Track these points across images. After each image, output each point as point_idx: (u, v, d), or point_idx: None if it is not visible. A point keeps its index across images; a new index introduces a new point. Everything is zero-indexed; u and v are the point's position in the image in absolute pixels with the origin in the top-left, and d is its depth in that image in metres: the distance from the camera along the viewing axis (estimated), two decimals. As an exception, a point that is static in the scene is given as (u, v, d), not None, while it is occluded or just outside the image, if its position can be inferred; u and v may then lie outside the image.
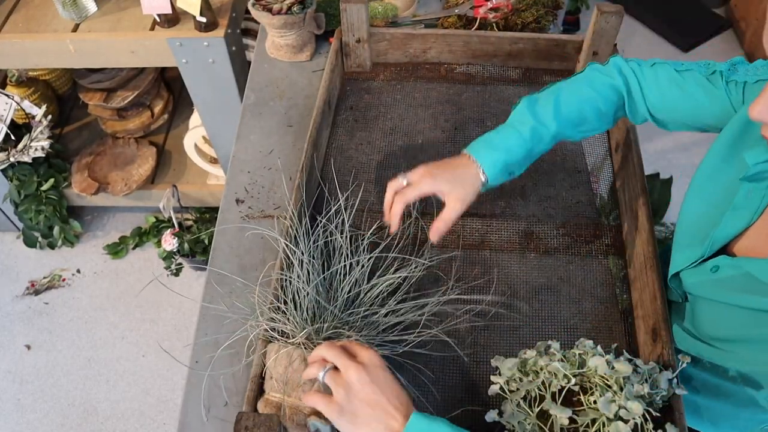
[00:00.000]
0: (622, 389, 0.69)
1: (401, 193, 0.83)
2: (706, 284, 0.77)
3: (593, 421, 0.67)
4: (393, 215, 0.84)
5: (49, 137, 1.88)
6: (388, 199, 0.86)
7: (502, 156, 0.82)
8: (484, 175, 0.82)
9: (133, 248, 2.27)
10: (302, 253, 0.90)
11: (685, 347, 0.87)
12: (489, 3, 1.31)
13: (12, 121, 1.84)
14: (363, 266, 0.89)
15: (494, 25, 1.34)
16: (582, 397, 0.70)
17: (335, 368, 0.69)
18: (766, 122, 0.62)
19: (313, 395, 0.70)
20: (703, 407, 0.92)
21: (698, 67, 0.86)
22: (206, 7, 1.48)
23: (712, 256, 0.76)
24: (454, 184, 0.82)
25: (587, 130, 0.89)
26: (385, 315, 0.86)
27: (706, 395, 0.89)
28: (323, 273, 0.89)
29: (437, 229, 0.83)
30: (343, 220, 1.01)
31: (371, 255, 0.93)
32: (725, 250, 0.77)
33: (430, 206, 1.05)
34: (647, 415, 0.68)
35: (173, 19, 1.55)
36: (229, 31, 1.55)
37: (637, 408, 0.66)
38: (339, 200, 1.06)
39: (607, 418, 0.66)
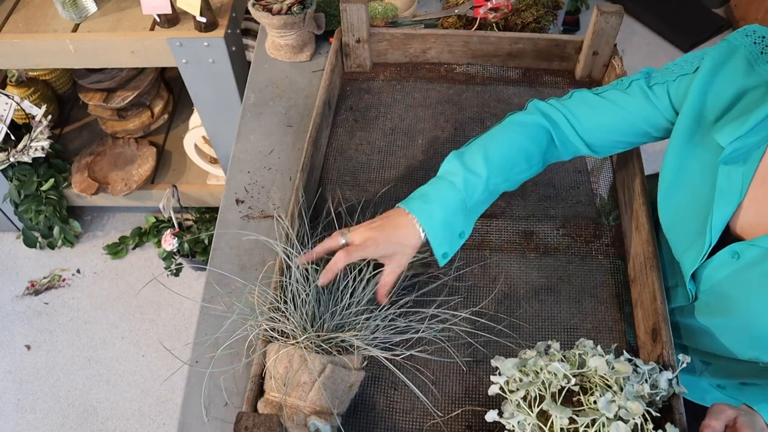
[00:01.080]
0: (622, 389, 0.69)
1: (346, 252, 0.79)
2: (737, 274, 0.76)
3: (593, 421, 0.67)
4: (330, 270, 0.80)
5: (49, 137, 1.88)
6: (318, 252, 0.83)
7: (437, 209, 0.80)
8: (423, 232, 0.80)
9: (133, 248, 2.27)
10: (302, 253, 0.90)
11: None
12: (489, 3, 1.32)
13: (12, 121, 1.84)
14: (363, 266, 0.89)
15: (494, 25, 1.34)
16: (582, 398, 0.70)
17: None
18: None
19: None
20: None
21: (612, 86, 0.90)
22: (206, 7, 1.48)
23: (719, 245, 0.77)
24: (396, 248, 0.80)
25: (518, 173, 0.88)
26: (385, 316, 0.86)
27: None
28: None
29: (383, 293, 0.82)
30: (343, 220, 1.01)
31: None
32: (729, 234, 0.78)
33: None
34: (647, 415, 0.68)
35: (173, 19, 1.55)
36: (229, 31, 1.55)
37: (637, 408, 0.66)
38: (339, 200, 1.06)
39: (607, 418, 0.66)
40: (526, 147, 0.87)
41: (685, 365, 0.75)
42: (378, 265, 0.85)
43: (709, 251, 0.78)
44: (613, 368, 0.71)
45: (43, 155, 1.89)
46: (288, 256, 0.88)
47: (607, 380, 0.70)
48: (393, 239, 0.80)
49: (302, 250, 0.89)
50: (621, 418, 0.66)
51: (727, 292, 0.78)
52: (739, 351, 0.82)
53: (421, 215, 0.80)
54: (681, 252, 0.82)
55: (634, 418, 0.66)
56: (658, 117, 0.86)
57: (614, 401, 0.67)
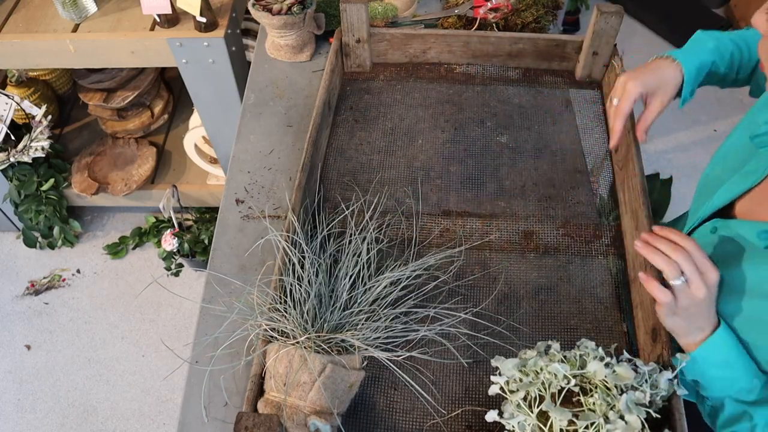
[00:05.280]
0: (622, 392, 0.69)
1: (617, 110, 0.93)
2: (709, 246, 0.80)
3: (592, 423, 0.67)
4: (614, 132, 0.95)
5: (49, 137, 1.88)
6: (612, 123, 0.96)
7: (696, 58, 0.92)
8: (682, 72, 0.91)
9: (133, 248, 2.27)
10: (302, 253, 0.90)
11: None
12: (489, 3, 1.32)
13: (12, 121, 1.84)
14: (363, 266, 0.89)
15: (494, 25, 1.34)
16: (582, 398, 0.70)
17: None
18: (762, 32, 0.68)
19: (664, 293, 0.73)
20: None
21: None
22: (206, 8, 1.48)
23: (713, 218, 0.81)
24: (659, 83, 0.92)
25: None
26: (385, 316, 0.86)
27: None
28: (323, 273, 0.89)
29: (643, 128, 0.94)
30: (343, 219, 1.01)
31: (370, 255, 0.93)
32: (729, 213, 0.80)
33: (427, 206, 1.05)
34: (647, 416, 0.68)
35: (173, 19, 1.55)
36: (229, 31, 1.55)
37: (635, 422, 0.66)
38: (338, 200, 1.06)
39: (606, 418, 0.66)
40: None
41: (684, 364, 0.75)
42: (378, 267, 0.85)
43: (701, 220, 0.84)
44: (614, 372, 0.71)
45: (43, 155, 1.89)
46: (288, 255, 0.88)
47: (607, 383, 0.70)
48: (655, 77, 0.92)
49: (302, 250, 0.89)
50: (621, 417, 0.66)
51: None
52: None
53: (684, 60, 0.92)
54: (691, 213, 0.91)
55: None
56: None
57: (612, 408, 0.67)
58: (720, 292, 0.75)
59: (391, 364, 0.85)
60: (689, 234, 0.87)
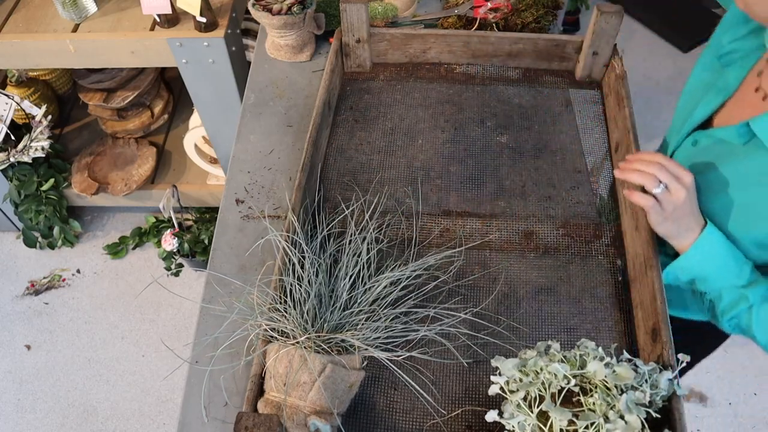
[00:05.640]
0: (622, 392, 0.69)
1: (631, 191, 0.87)
2: (691, 158, 0.90)
3: (592, 423, 0.67)
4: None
5: (49, 137, 1.88)
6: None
7: (711, 258, 0.86)
8: (687, 251, 0.86)
9: (133, 248, 2.27)
10: (302, 253, 0.90)
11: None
12: (489, 3, 1.32)
13: (12, 121, 1.84)
14: (363, 266, 0.89)
15: (494, 25, 1.34)
16: (582, 398, 0.70)
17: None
18: None
19: (646, 199, 0.82)
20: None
21: None
22: (206, 8, 1.48)
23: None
24: (669, 234, 0.87)
25: None
26: (385, 316, 0.86)
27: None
28: (323, 273, 0.89)
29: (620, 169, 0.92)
30: (343, 219, 1.01)
31: (370, 254, 0.93)
32: (707, 128, 0.90)
33: (427, 206, 1.05)
34: (647, 416, 0.68)
35: (173, 19, 1.55)
36: (229, 31, 1.56)
37: (635, 422, 0.66)
38: (338, 200, 1.06)
39: (606, 418, 0.66)
40: None
41: (684, 365, 0.75)
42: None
43: (684, 138, 0.92)
44: (614, 372, 0.71)
45: (43, 155, 1.89)
46: (288, 255, 0.88)
47: (607, 383, 0.70)
48: (679, 217, 0.84)
49: (302, 250, 0.89)
50: (621, 417, 0.66)
51: None
52: None
53: (702, 244, 0.85)
54: (670, 138, 0.97)
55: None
56: None
57: (612, 408, 0.67)
58: (704, 194, 0.85)
59: (391, 364, 0.85)
60: (671, 154, 0.96)
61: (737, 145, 0.83)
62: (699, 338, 1.13)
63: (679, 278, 0.89)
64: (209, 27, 1.53)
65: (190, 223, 2.08)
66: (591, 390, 0.71)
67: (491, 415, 0.71)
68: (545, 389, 0.70)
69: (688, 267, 0.86)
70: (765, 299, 0.82)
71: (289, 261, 0.89)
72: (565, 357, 0.74)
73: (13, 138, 1.87)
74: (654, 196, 0.82)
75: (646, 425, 0.67)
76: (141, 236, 2.26)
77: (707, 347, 1.26)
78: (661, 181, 0.81)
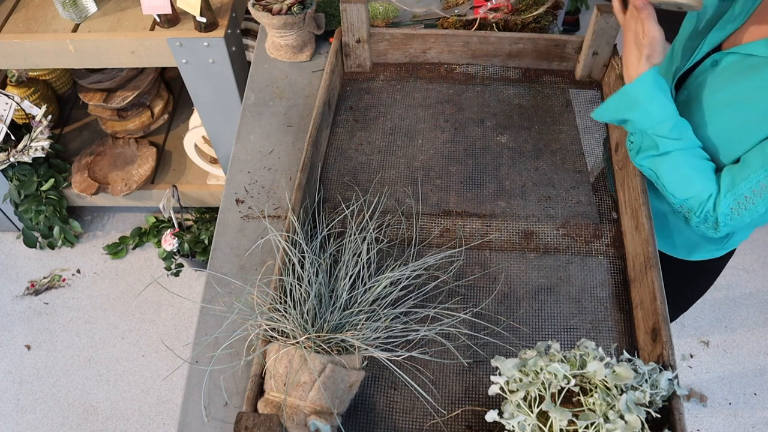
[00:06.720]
0: (622, 392, 0.69)
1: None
2: (711, 80, 0.92)
3: (592, 423, 0.67)
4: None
5: (49, 137, 1.88)
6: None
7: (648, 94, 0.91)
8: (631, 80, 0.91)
9: (133, 248, 2.27)
10: (302, 253, 0.90)
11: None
12: (489, 3, 1.32)
13: (12, 121, 1.84)
14: (363, 266, 0.89)
15: (494, 25, 1.34)
16: (582, 398, 0.70)
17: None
18: None
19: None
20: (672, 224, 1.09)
21: None
22: (206, 8, 1.48)
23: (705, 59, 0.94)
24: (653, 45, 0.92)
25: None
26: (385, 316, 0.86)
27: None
28: (323, 273, 0.89)
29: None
30: (343, 219, 1.01)
31: (370, 254, 0.93)
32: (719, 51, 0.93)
33: (427, 206, 1.05)
34: (647, 416, 0.68)
35: (173, 19, 1.55)
36: (229, 31, 1.56)
37: (635, 421, 0.66)
38: (338, 200, 1.06)
39: (606, 418, 0.66)
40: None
41: (684, 365, 0.75)
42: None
43: (696, 60, 0.96)
44: (614, 372, 0.71)
45: (43, 155, 1.89)
46: (288, 255, 0.88)
47: (607, 383, 0.70)
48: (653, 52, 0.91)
49: (302, 250, 0.89)
50: (621, 417, 0.66)
51: (695, 95, 0.94)
52: None
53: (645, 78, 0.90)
54: (673, 60, 1.01)
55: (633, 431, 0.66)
56: None
57: (612, 408, 0.67)
58: (724, 110, 0.89)
59: (391, 364, 0.85)
60: (690, 69, 0.99)
61: (763, 57, 0.87)
62: (690, 279, 1.23)
63: (618, 108, 0.92)
64: (209, 27, 1.53)
65: (190, 223, 2.08)
66: (591, 390, 0.71)
67: (491, 415, 0.71)
68: (545, 389, 0.70)
69: (625, 103, 0.90)
70: (683, 151, 0.88)
71: (289, 261, 0.89)
72: (565, 357, 0.74)
73: (13, 138, 1.88)
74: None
75: (646, 425, 0.67)
76: (141, 236, 2.26)
77: (699, 289, 1.33)
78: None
